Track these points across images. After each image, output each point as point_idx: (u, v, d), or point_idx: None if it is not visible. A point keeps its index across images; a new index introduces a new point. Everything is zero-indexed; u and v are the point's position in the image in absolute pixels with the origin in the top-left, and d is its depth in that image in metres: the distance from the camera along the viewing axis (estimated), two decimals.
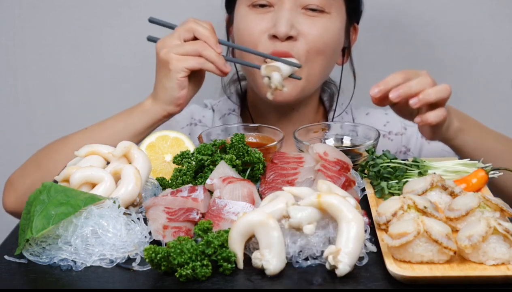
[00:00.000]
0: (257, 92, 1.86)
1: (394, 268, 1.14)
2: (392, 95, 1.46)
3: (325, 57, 1.82)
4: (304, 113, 1.92)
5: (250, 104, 1.99)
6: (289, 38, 1.76)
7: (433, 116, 1.48)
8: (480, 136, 1.67)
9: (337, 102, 1.98)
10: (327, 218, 1.22)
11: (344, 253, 1.15)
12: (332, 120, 1.95)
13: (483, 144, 1.66)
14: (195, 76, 1.68)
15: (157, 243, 1.26)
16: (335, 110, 1.97)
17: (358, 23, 1.95)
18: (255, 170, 1.47)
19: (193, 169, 1.45)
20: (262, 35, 1.78)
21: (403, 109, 1.57)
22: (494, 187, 1.60)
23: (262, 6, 1.79)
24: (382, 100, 1.51)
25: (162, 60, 1.65)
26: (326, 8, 1.79)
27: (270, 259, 1.16)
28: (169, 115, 1.69)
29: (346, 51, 1.93)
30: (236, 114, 1.96)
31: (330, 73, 1.91)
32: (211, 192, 1.39)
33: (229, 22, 1.94)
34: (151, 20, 1.75)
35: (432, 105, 1.49)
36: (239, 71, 2.00)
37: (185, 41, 1.66)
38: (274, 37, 1.76)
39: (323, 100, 2.00)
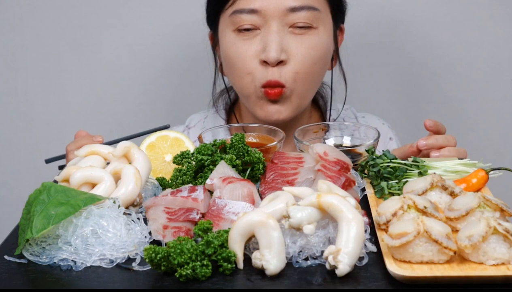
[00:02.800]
0: (250, 110, 1.86)
1: (394, 268, 1.14)
2: (420, 144, 1.63)
3: (315, 73, 1.81)
4: (297, 122, 1.90)
5: (241, 115, 1.98)
6: (280, 62, 1.75)
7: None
8: None
9: (331, 106, 1.98)
10: (327, 218, 1.22)
11: (344, 253, 1.15)
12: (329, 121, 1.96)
13: None
14: None
15: (157, 243, 1.26)
16: (330, 114, 1.97)
17: (343, 23, 1.93)
18: (255, 170, 1.47)
19: (193, 169, 1.45)
20: (253, 61, 1.77)
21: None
22: None
23: (248, 30, 1.77)
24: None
25: None
26: (314, 23, 1.77)
27: (270, 259, 1.16)
28: None
29: (334, 54, 1.91)
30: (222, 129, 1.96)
31: (321, 81, 1.91)
32: (211, 192, 1.39)
33: (214, 40, 1.91)
34: (48, 161, 1.81)
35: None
36: (228, 84, 1.99)
37: None
38: (265, 62, 1.76)
39: (319, 105, 2.00)
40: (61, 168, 1.81)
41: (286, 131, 1.75)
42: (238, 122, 1.97)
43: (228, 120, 2.00)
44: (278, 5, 1.75)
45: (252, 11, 1.75)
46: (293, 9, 1.75)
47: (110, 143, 1.70)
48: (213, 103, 2.02)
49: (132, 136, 1.72)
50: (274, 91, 1.77)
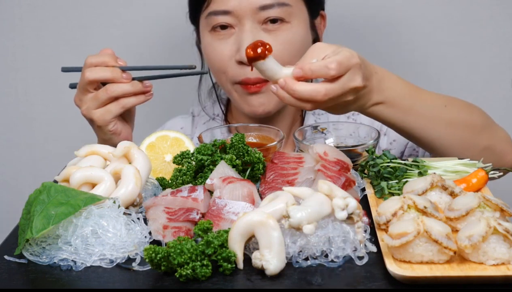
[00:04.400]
0: (236, 106, 1.89)
1: (394, 268, 1.14)
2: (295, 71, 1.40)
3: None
4: (284, 115, 1.93)
5: (233, 111, 2.00)
6: None
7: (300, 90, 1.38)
8: (404, 115, 1.58)
9: None
10: (327, 218, 1.22)
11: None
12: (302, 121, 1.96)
13: (404, 123, 1.58)
14: (125, 112, 1.71)
15: (157, 243, 1.26)
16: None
17: (323, 9, 1.93)
18: (255, 170, 1.47)
19: (193, 169, 1.45)
20: (229, 61, 1.80)
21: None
22: None
23: (223, 27, 1.80)
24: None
25: (87, 118, 1.69)
26: (286, 17, 1.79)
27: (270, 259, 1.16)
28: None
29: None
30: (220, 119, 1.98)
31: None
32: (211, 192, 1.39)
33: (198, 37, 1.94)
34: (64, 70, 1.78)
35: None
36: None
37: (95, 89, 1.67)
38: (241, 62, 1.78)
39: None
40: (72, 86, 1.77)
41: (273, 124, 1.75)
42: (234, 116, 1.99)
43: (226, 111, 2.01)
44: (250, 4, 1.77)
45: (225, 12, 1.79)
46: (264, 7, 1.78)
47: (132, 69, 1.67)
48: (198, 98, 2.05)
49: (155, 67, 1.69)
50: (254, 87, 1.80)
